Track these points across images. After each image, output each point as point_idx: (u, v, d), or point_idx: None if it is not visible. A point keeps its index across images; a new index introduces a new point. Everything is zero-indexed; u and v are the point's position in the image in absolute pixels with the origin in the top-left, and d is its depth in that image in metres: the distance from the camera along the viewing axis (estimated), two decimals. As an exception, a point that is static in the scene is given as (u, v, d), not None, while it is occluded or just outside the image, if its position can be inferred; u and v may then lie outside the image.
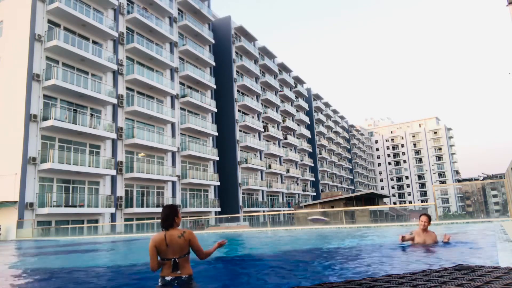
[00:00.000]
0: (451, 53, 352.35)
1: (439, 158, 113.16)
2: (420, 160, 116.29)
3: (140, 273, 5.93)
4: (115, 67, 28.80)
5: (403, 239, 6.42)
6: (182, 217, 33.27)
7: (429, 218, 6.45)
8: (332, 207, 31.23)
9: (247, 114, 48.31)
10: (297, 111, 64.80)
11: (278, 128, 56.53)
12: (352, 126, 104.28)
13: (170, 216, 3.77)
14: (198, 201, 36.50)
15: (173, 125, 34.59)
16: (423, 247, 6.23)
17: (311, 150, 68.24)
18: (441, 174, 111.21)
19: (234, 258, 7.83)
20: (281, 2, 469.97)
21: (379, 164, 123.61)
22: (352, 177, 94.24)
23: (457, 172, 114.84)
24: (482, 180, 67.52)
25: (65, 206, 24.25)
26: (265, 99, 53.21)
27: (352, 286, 2.21)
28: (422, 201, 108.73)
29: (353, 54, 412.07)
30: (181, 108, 36.71)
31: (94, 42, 28.56)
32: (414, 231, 6.72)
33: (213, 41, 42.76)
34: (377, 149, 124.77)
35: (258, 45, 54.23)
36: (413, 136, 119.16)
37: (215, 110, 40.91)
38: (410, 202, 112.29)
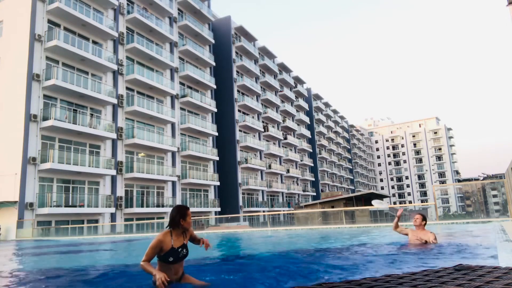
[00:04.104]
0: (451, 53, 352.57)
1: (439, 158, 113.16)
2: (420, 160, 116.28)
3: (140, 273, 5.93)
4: (115, 67, 28.80)
5: (398, 218, 6.85)
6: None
7: (423, 216, 6.62)
8: (332, 207, 31.22)
9: (247, 114, 48.31)
10: (297, 111, 64.80)
11: (278, 128, 56.53)
12: (352, 126, 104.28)
13: (175, 218, 3.83)
14: (198, 201, 36.50)
15: (173, 125, 34.60)
16: (420, 247, 6.24)
17: (311, 150, 68.24)
18: (441, 174, 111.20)
19: (234, 258, 7.83)
20: (281, 2, 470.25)
21: (379, 164, 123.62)
22: (352, 177, 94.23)
23: (457, 172, 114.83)
24: (482, 180, 67.51)
25: (65, 206, 24.26)
26: (265, 99, 53.21)
27: (352, 286, 2.21)
28: (422, 201, 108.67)
29: (353, 54, 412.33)
30: (181, 108, 36.72)
31: (94, 42, 28.56)
32: (410, 229, 6.88)
33: (213, 41, 42.77)
34: (377, 149, 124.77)
35: (258, 45, 54.22)
36: (413, 136, 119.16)
37: (215, 110, 40.92)
38: (410, 202, 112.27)
